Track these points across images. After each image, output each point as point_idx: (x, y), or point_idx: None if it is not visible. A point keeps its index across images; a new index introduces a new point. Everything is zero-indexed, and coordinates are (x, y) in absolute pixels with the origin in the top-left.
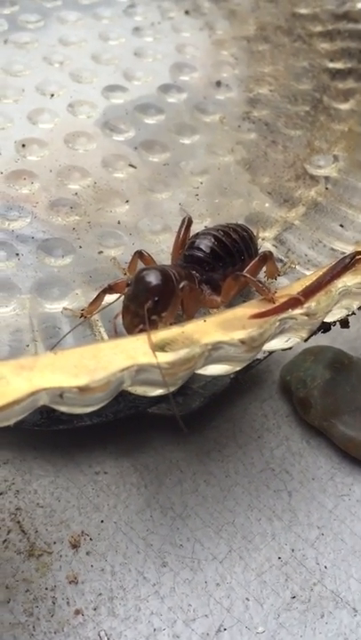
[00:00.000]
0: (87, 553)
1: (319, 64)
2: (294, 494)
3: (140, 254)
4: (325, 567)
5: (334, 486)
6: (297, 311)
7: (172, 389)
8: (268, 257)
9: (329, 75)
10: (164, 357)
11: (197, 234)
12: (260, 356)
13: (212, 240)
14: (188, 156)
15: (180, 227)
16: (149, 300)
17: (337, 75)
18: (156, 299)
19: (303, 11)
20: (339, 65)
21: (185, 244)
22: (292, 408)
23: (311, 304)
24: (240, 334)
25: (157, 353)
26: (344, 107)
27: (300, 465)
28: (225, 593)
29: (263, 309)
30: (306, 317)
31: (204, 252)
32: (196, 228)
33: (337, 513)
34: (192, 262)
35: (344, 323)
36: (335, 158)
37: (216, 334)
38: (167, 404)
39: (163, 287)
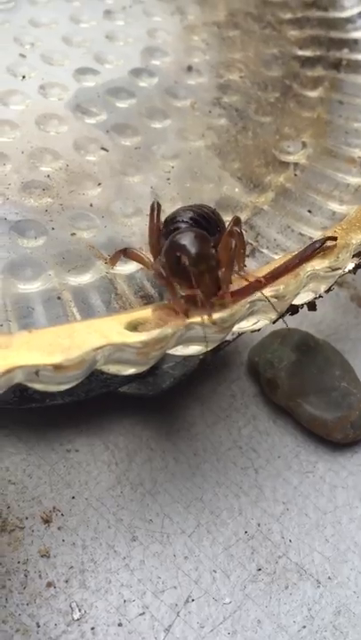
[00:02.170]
0: (59, 528)
1: (289, 51)
2: (261, 471)
3: (124, 252)
4: (290, 541)
5: (299, 464)
6: (267, 293)
7: (144, 369)
8: (239, 220)
9: (298, 62)
10: (137, 337)
11: (172, 213)
12: (229, 337)
13: (192, 213)
14: (159, 140)
15: (152, 213)
16: (210, 248)
17: (306, 62)
18: (212, 244)
19: None
20: (308, 52)
21: (160, 228)
22: (260, 388)
23: (280, 287)
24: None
25: (130, 332)
26: (313, 94)
27: (266, 443)
28: (193, 565)
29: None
30: (275, 300)
31: (188, 223)
32: (167, 212)
33: (301, 489)
34: None
35: (311, 305)
36: (304, 145)
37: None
38: (138, 383)
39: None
